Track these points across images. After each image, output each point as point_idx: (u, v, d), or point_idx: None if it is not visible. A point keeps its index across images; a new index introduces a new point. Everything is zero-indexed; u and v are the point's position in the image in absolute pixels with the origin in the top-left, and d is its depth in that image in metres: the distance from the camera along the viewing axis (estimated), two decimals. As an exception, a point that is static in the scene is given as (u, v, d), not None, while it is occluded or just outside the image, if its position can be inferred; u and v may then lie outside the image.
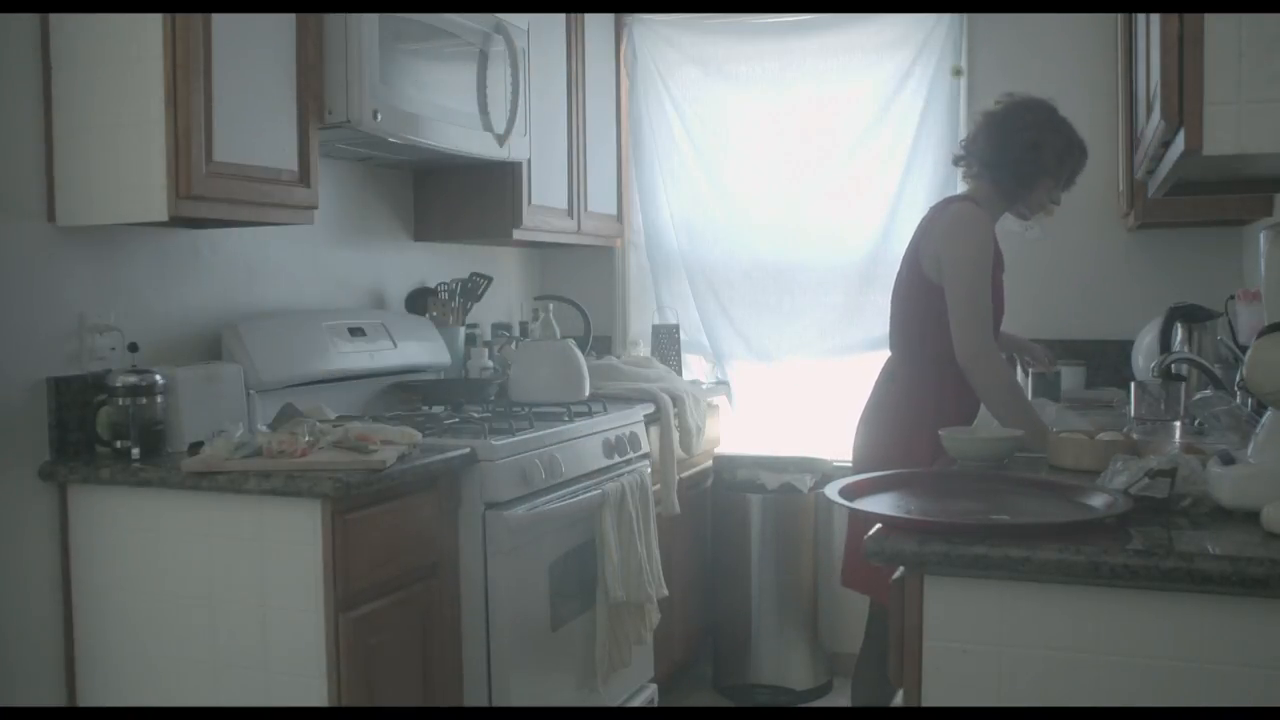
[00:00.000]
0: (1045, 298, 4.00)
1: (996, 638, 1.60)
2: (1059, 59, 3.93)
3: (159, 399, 2.57)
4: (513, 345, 3.60)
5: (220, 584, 2.42)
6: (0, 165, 2.45)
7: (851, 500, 1.83)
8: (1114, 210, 3.87)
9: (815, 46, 4.22)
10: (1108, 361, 3.85)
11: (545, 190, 3.78)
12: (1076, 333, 3.96)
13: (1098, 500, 1.78)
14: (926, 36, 4.05)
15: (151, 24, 2.39)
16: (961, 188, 3.26)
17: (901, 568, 1.67)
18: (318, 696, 2.34)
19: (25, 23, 2.49)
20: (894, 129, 4.12)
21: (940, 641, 1.63)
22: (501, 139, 3.32)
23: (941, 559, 1.60)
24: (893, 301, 3.00)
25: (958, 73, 4.04)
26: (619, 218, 4.43)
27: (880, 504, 1.82)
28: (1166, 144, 1.97)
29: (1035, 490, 1.97)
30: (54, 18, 2.51)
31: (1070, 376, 3.57)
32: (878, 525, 1.69)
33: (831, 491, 1.86)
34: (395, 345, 3.34)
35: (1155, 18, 2.00)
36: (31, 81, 2.51)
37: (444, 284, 3.75)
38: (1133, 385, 2.73)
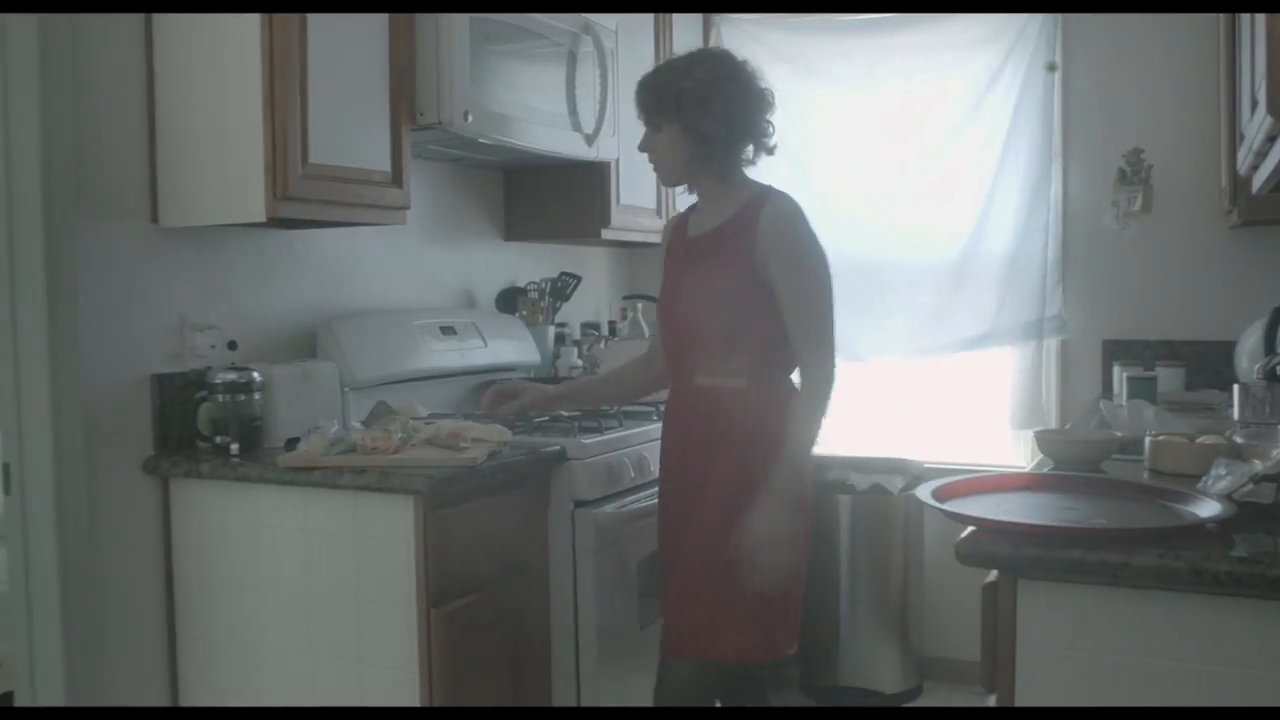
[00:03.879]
0: (1143, 297, 3.91)
1: (1093, 644, 1.57)
2: (1158, 52, 3.84)
3: (257, 396, 2.63)
4: (601, 344, 3.62)
5: (316, 577, 2.47)
6: (107, 169, 2.52)
7: (943, 503, 1.81)
8: (1215, 207, 3.77)
9: (905, 43, 4.17)
10: (1208, 363, 3.75)
11: (633, 190, 3.79)
12: (1175, 333, 3.87)
13: (1199, 505, 1.74)
14: (1019, 32, 3.98)
15: (249, 29, 2.45)
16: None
17: (995, 571, 1.64)
18: (409, 689, 2.37)
19: (130, 30, 2.56)
20: (986, 126, 4.05)
21: (1034, 647, 1.61)
22: (590, 139, 3.33)
23: (1036, 563, 1.57)
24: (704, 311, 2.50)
25: (1052, 68, 3.96)
26: (707, 217, 4.41)
27: (973, 506, 1.80)
28: (1273, 139, 1.92)
29: (1133, 494, 1.92)
30: (157, 25, 2.58)
31: (1168, 378, 3.48)
32: (971, 528, 1.67)
33: (924, 493, 1.83)
34: (486, 344, 3.37)
35: (1260, 16, 1.95)
36: (135, 87, 2.58)
37: (533, 283, 3.78)
38: (1236, 388, 2.66)
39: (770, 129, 2.54)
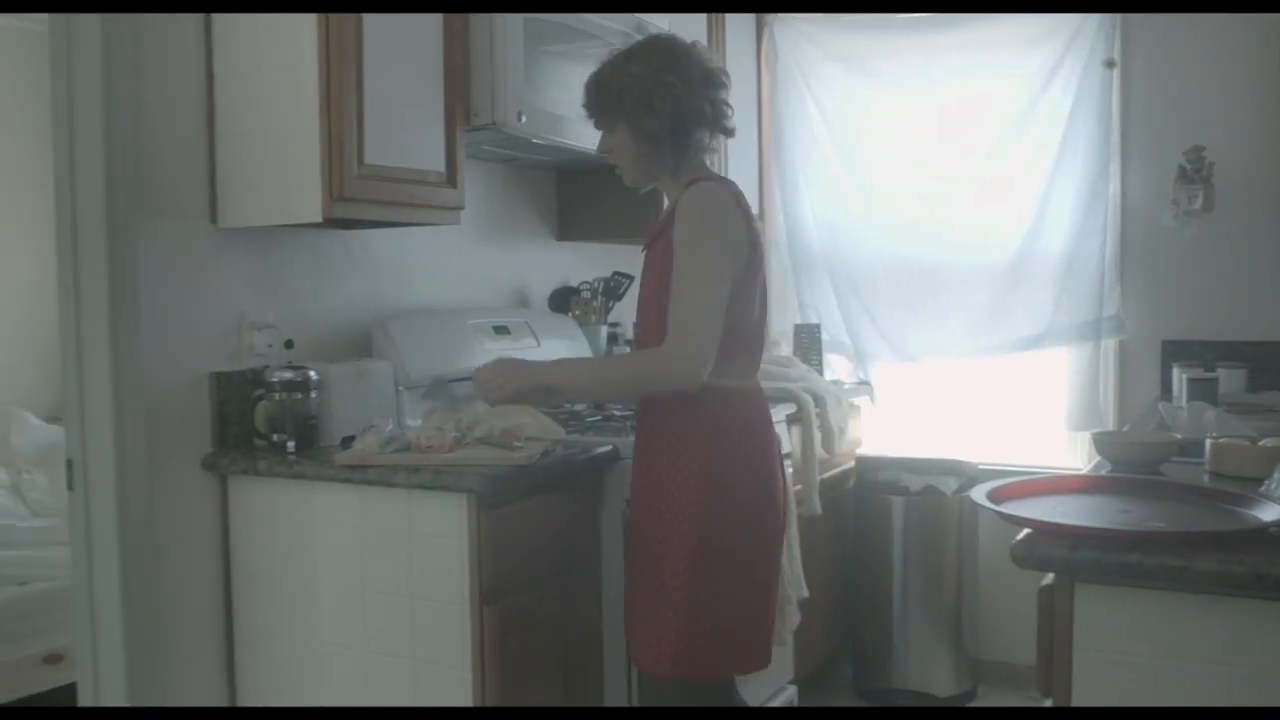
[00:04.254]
0: (1203, 297, 3.86)
1: (1150, 649, 1.55)
2: (1220, 47, 3.78)
3: (313, 394, 2.66)
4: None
5: (370, 574, 2.49)
6: (168, 170, 2.56)
7: (999, 504, 1.79)
8: (1278, 204, 3.71)
9: (959, 41, 4.14)
10: (1271, 364, 3.69)
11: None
12: (1237, 334, 3.81)
13: (1262, 509, 1.71)
14: (1077, 28, 3.94)
15: (306, 30, 2.48)
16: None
17: (1051, 575, 1.63)
18: (462, 687, 2.39)
19: (191, 33, 2.60)
20: (1042, 124, 4.01)
21: (1091, 651, 1.59)
22: (643, 139, 3.33)
23: (1093, 566, 1.55)
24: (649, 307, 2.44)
25: (1110, 65, 3.91)
26: (760, 216, 4.41)
27: (1029, 508, 1.78)
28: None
29: (1193, 497, 1.89)
30: (217, 28, 2.61)
31: (1230, 379, 3.42)
32: (1027, 530, 1.65)
33: (979, 495, 1.82)
34: (539, 343, 3.39)
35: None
36: (196, 90, 2.62)
37: (586, 283, 3.80)
38: (1300, 389, 2.61)
39: (726, 110, 2.44)
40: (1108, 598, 1.57)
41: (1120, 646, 1.56)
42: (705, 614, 2.34)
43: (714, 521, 2.34)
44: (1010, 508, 1.78)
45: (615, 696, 2.80)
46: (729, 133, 2.49)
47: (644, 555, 2.40)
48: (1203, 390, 3.18)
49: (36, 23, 4.16)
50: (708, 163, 2.51)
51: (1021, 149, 4.05)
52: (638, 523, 2.43)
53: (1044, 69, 3.99)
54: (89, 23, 2.42)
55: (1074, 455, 4.11)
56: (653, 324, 2.36)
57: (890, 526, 3.93)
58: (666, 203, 2.51)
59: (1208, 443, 2.21)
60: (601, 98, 2.41)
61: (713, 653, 2.37)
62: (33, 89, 4.57)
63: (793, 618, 3.23)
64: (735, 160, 4.12)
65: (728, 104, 2.45)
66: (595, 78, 2.44)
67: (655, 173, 2.46)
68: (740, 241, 2.33)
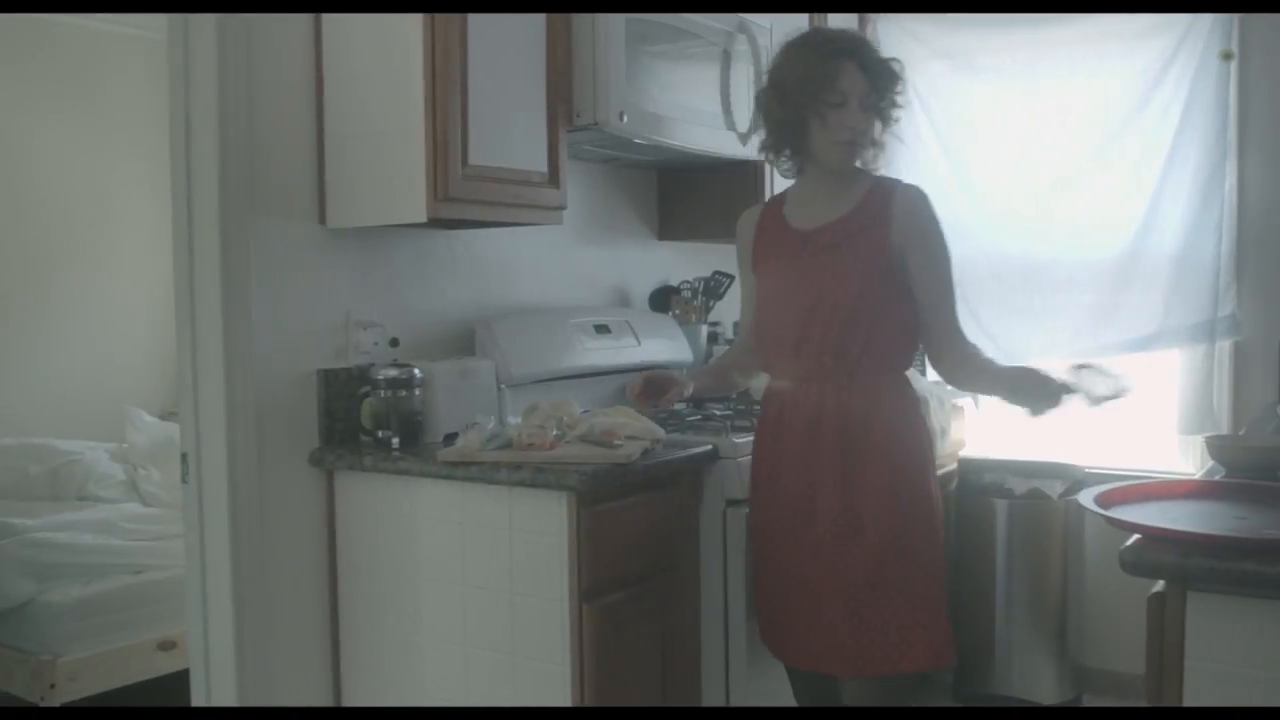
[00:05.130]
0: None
1: (1265, 661, 1.50)
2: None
3: (417, 392, 2.70)
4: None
5: (471, 569, 2.52)
6: (279, 172, 2.63)
7: (1107, 509, 1.76)
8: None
9: (1068, 36, 4.05)
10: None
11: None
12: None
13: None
14: (1191, 21, 3.82)
15: (412, 33, 2.52)
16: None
17: (1161, 582, 1.59)
18: (560, 683, 2.41)
19: (301, 35, 2.66)
20: (1155, 118, 3.90)
21: (1202, 662, 1.55)
22: (744, 137, 3.33)
23: (1206, 574, 1.51)
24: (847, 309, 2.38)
25: (1228, 56, 3.79)
26: (861, 215, 4.38)
27: (1139, 514, 1.74)
28: None
29: (1313, 504, 1.84)
30: (326, 30, 2.67)
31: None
32: (1136, 536, 1.62)
33: (1087, 499, 1.78)
34: (639, 342, 3.40)
35: None
36: (306, 91, 2.68)
37: (687, 282, 3.80)
38: None
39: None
40: (1221, 607, 1.53)
41: (1233, 658, 1.52)
42: (941, 602, 2.39)
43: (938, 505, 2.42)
44: (1119, 512, 1.74)
45: (713, 696, 2.80)
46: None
47: (884, 548, 2.34)
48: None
49: (154, 31, 4.30)
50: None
51: (1132, 145, 3.95)
52: (861, 519, 2.34)
53: (1157, 63, 3.89)
54: (205, 27, 2.49)
55: (1185, 460, 4.00)
56: (854, 324, 2.34)
57: (993, 530, 3.86)
58: (805, 193, 2.50)
59: (1329, 448, 2.14)
60: (890, 78, 2.41)
61: (948, 640, 2.40)
62: (153, 96, 4.72)
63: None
64: (837, 159, 4.09)
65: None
66: (891, 64, 2.41)
67: (868, 161, 2.47)
68: None
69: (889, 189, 2.41)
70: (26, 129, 5.28)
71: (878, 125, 2.40)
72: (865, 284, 2.36)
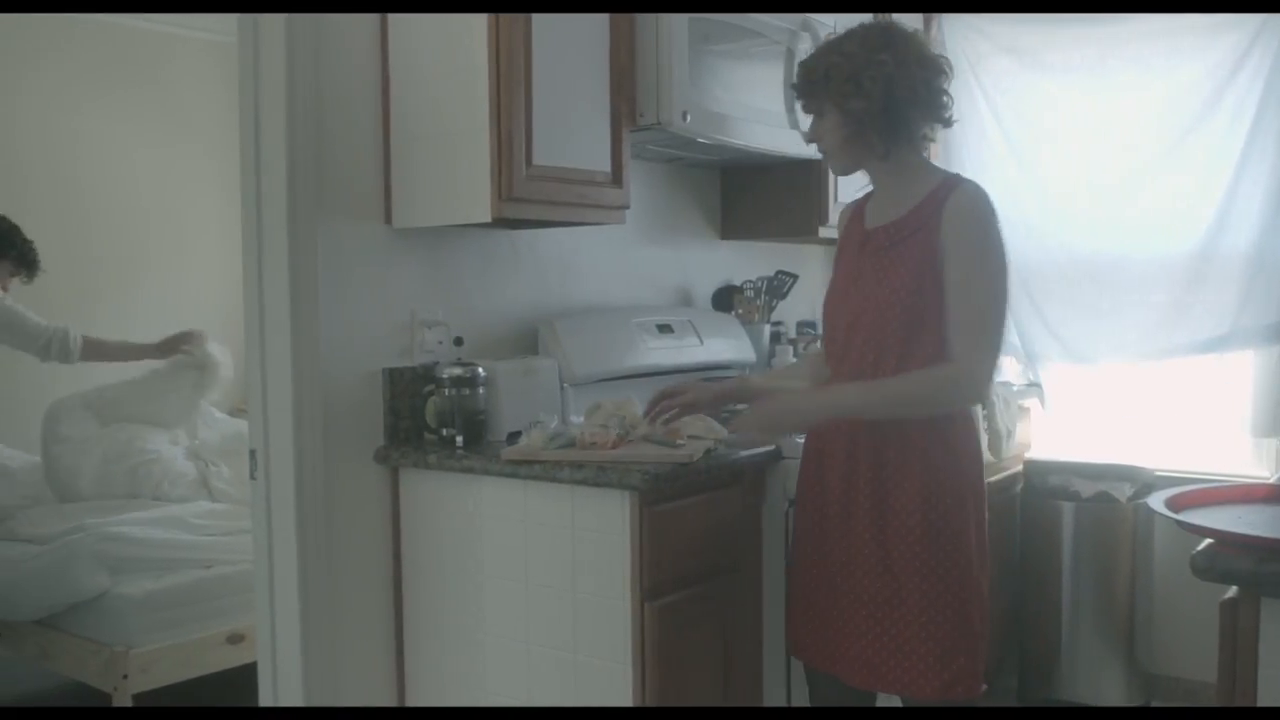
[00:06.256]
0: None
1: (1344, 669, 1.47)
2: None
3: (481, 390, 2.72)
4: (817, 343, 3.60)
5: (534, 567, 2.54)
6: (346, 172, 2.66)
7: (1178, 513, 1.73)
8: None
9: (1138, 30, 3.98)
10: None
11: (850, 187, 3.71)
12: None
13: None
14: (1266, 14, 3.74)
15: (477, 33, 2.54)
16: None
17: (1234, 588, 1.56)
18: (622, 682, 2.41)
19: (367, 36, 2.69)
20: (1229, 113, 3.82)
21: (1276, 670, 1.52)
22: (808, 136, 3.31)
23: (1281, 581, 1.49)
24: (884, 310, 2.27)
25: (1304, 51, 3.71)
26: (926, 214, 4.34)
27: (1211, 518, 1.71)
28: None
29: (1393, 510, 1.79)
30: (392, 31, 2.70)
31: None
32: (1208, 540, 1.59)
33: (1157, 503, 1.76)
34: (702, 342, 3.40)
35: None
36: (372, 94, 2.71)
37: (749, 282, 3.79)
38: None
39: (944, 98, 2.29)
40: (1297, 614, 1.50)
41: (1310, 666, 1.49)
42: (978, 630, 2.29)
43: (975, 536, 2.30)
44: (1191, 516, 1.72)
45: (775, 697, 2.79)
46: (947, 123, 2.33)
47: (909, 575, 2.26)
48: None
49: (225, 35, 4.37)
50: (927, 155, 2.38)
51: (1205, 140, 3.88)
52: (895, 543, 2.26)
53: (1231, 56, 3.81)
54: (274, 28, 2.53)
55: (1258, 463, 3.92)
56: (891, 334, 2.24)
57: (1059, 533, 3.81)
58: (876, 190, 2.38)
59: None
60: (810, 78, 2.28)
61: (977, 671, 2.29)
62: (224, 99, 4.80)
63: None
64: (901, 157, 4.06)
65: (947, 93, 2.29)
66: (805, 60, 2.34)
67: (863, 159, 2.31)
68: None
69: (949, 188, 2.25)
70: (105, 135, 5.41)
71: (830, 123, 2.28)
72: (908, 290, 2.22)
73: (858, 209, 2.43)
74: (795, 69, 2.37)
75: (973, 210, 2.22)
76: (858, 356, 2.29)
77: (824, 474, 2.37)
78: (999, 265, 2.21)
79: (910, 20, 4.16)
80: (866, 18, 3.81)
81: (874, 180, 2.38)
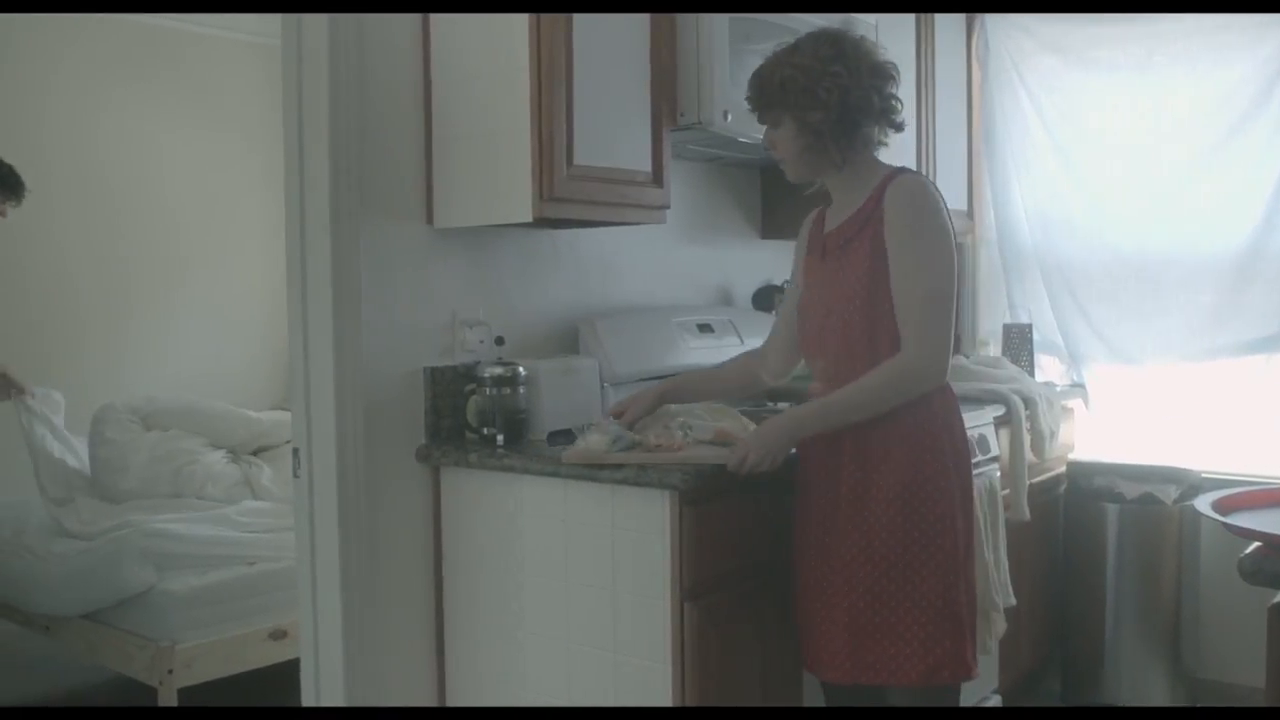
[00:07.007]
0: None
1: (1396, 675, 1.45)
2: None
3: (521, 389, 2.73)
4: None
5: (574, 566, 2.54)
6: (389, 172, 2.68)
7: (1225, 515, 1.71)
8: None
9: (1185, 27, 3.94)
10: None
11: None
12: None
13: None
14: (1317, 9, 3.70)
15: (518, 33, 2.54)
16: None
17: (1283, 591, 1.54)
18: (661, 681, 2.41)
19: (409, 37, 2.71)
20: (1278, 110, 3.78)
21: (1327, 674, 1.50)
22: (849, 136, 3.30)
23: (1331, 584, 1.47)
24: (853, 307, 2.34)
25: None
26: (969, 213, 4.31)
27: (1259, 520, 1.69)
28: None
29: None
30: (434, 32, 2.71)
31: None
32: (1256, 543, 1.57)
33: (1203, 505, 1.74)
34: (742, 341, 3.39)
35: None
36: (414, 94, 2.73)
37: (789, 281, 3.78)
38: None
39: (895, 104, 2.36)
40: (1347, 619, 1.48)
41: (1360, 671, 1.47)
42: (964, 614, 2.33)
43: (962, 521, 2.35)
44: (1238, 519, 1.70)
45: (814, 697, 2.78)
46: (898, 127, 2.40)
47: (890, 563, 2.31)
48: None
49: (268, 36, 4.41)
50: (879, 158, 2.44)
51: (1252, 138, 3.83)
52: (876, 530, 2.32)
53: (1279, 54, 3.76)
54: (317, 28, 2.55)
55: (1308, 466, 3.87)
56: (856, 328, 2.31)
57: (1103, 534, 3.78)
58: (832, 195, 2.46)
59: None
60: (764, 90, 2.34)
61: (963, 655, 2.33)
62: (269, 100, 4.85)
63: (998, 625, 3.15)
64: (942, 157, 4.03)
65: (896, 98, 2.37)
66: (759, 70, 2.38)
67: (820, 167, 2.39)
68: (952, 232, 2.31)
69: (888, 181, 2.33)
70: (151, 136, 5.47)
71: (787, 133, 2.34)
72: (863, 285, 2.30)
73: (820, 216, 2.52)
74: (749, 81, 2.41)
75: (909, 200, 2.28)
76: (832, 357, 2.38)
77: (808, 465, 2.44)
78: (939, 250, 2.27)
79: (954, 20, 4.14)
80: (909, 17, 3.82)
81: (830, 186, 2.45)
